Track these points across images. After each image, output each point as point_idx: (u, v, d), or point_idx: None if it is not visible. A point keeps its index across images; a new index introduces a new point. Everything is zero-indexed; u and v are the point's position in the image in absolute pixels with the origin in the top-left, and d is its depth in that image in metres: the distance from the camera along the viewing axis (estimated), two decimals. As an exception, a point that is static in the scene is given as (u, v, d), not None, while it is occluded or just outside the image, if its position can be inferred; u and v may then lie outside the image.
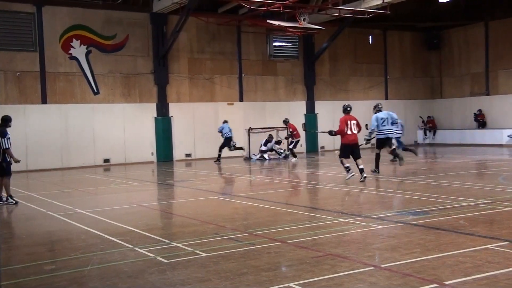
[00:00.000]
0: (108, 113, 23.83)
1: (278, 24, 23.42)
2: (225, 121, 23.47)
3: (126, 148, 24.12)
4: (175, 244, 7.69)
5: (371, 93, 31.00)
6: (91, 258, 6.98)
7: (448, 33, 32.02)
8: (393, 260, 6.39)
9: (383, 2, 23.33)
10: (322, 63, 29.25)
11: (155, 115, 24.90)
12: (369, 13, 24.83)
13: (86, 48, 23.47)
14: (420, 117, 32.09)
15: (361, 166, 14.18)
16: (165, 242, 7.84)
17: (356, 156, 14.35)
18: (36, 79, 22.53)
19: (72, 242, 8.14)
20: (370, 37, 30.80)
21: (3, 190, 12.45)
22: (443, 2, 27.44)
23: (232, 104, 26.52)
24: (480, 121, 29.98)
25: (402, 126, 19.15)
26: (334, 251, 6.92)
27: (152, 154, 24.78)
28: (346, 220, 8.99)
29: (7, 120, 12.55)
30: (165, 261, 6.72)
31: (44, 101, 22.64)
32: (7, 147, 12.18)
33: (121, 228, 9.11)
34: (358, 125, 14.47)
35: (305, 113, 28.34)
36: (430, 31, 32.03)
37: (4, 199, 12.44)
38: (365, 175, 14.11)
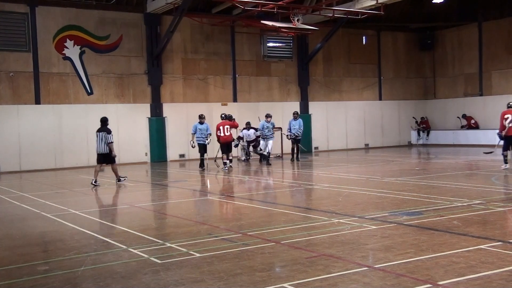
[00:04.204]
0: (102, 114, 23.51)
1: (272, 25, 23.41)
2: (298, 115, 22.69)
3: (120, 148, 23.99)
4: (168, 244, 7.68)
5: (365, 93, 31.06)
6: (85, 259, 6.96)
7: (441, 33, 32.11)
8: (387, 260, 6.40)
9: (377, 2, 23.40)
10: (316, 64, 29.28)
11: (149, 116, 24.86)
12: (362, 13, 24.90)
13: (80, 49, 23.39)
14: (413, 117, 32.18)
15: (230, 158, 19.64)
16: (158, 242, 7.83)
17: (228, 151, 19.49)
18: (29, 80, 22.44)
19: (65, 242, 8.12)
20: (364, 37, 30.85)
21: (103, 174, 16.37)
22: (437, 3, 27.56)
23: (226, 104, 26.50)
24: (467, 127, 30.05)
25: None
26: (328, 251, 6.93)
27: (146, 154, 24.74)
28: (340, 220, 9.00)
29: (107, 120, 16.34)
30: (159, 261, 6.71)
31: (37, 101, 22.56)
32: (112, 141, 15.82)
33: (114, 229, 9.10)
34: (231, 127, 19.89)
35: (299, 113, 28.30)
36: (424, 32, 32.12)
37: (117, 180, 16.06)
38: (230, 164, 19.45)
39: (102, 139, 15.78)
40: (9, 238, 8.72)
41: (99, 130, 16.01)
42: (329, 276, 5.84)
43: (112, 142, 15.86)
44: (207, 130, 19.92)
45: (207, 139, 19.90)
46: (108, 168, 22.70)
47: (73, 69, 23.29)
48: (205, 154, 20.18)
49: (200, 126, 19.94)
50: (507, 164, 16.48)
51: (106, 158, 15.96)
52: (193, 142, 19.93)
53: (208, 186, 16.13)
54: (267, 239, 7.77)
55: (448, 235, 7.63)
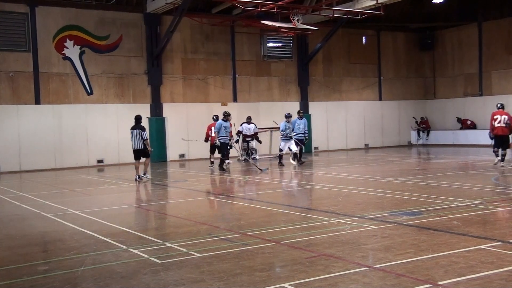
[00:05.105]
0: (102, 114, 23.76)
1: (272, 25, 23.42)
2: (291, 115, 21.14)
3: (120, 148, 24.00)
4: (168, 244, 7.68)
5: (365, 93, 31.06)
6: (85, 259, 6.96)
7: (441, 33, 32.11)
8: (386, 260, 6.40)
9: (377, 2, 23.40)
10: (316, 64, 29.28)
11: (149, 116, 24.85)
12: (362, 13, 24.90)
13: (80, 49, 23.39)
14: (414, 117, 32.19)
15: (213, 160, 20.34)
16: (158, 242, 7.83)
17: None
18: (29, 80, 22.44)
19: (65, 242, 8.12)
20: (363, 37, 30.85)
21: (140, 168, 17.07)
22: (437, 2, 27.57)
23: (226, 104, 26.49)
24: (463, 127, 30.33)
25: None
26: (328, 251, 6.93)
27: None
28: (340, 220, 9.00)
29: (141, 118, 17.15)
30: (159, 261, 6.71)
31: (37, 101, 22.56)
32: (147, 138, 16.84)
33: (114, 229, 9.09)
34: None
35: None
36: (424, 32, 32.12)
37: (143, 174, 16.96)
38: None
39: (137, 136, 16.65)
40: (9, 238, 8.72)
41: (133, 128, 16.83)
42: (329, 276, 5.84)
43: (147, 139, 16.92)
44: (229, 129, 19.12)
45: (231, 139, 19.33)
46: (108, 168, 22.87)
47: (73, 69, 23.28)
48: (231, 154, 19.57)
49: (225, 124, 18.82)
50: (498, 157, 17.02)
51: (141, 153, 16.89)
52: (218, 141, 18.86)
53: (207, 186, 16.14)
54: (267, 239, 7.77)
55: (448, 235, 7.63)
